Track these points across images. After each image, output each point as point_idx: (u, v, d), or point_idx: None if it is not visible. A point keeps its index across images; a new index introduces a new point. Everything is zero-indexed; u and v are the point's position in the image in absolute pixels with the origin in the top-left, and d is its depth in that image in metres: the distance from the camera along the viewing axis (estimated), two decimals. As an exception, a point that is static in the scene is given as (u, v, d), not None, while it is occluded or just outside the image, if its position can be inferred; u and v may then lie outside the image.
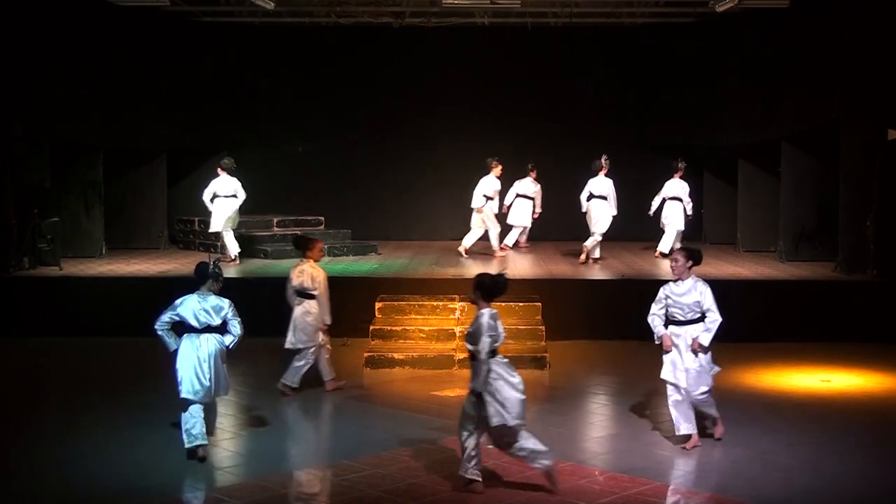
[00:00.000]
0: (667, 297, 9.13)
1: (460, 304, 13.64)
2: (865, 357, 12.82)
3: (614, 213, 16.63)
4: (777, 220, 17.19)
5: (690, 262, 9.07)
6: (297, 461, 8.87)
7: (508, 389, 7.84)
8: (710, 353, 9.09)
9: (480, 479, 7.97)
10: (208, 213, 16.40)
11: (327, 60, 19.93)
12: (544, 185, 18.46)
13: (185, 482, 8.40)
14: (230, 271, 15.27)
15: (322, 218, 18.66)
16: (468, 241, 17.06)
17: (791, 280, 15.02)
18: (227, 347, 8.89)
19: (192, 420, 8.70)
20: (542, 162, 19.91)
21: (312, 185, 19.80)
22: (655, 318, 9.19)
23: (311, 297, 11.04)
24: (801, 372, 12.22)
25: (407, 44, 19.65)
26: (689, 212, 17.03)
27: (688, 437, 9.10)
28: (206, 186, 16.36)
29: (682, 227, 17.04)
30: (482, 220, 16.98)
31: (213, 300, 8.83)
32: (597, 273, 15.68)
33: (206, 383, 8.71)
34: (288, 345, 11.10)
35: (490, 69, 19.79)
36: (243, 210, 16.75)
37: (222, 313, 8.82)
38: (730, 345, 13.32)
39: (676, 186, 16.96)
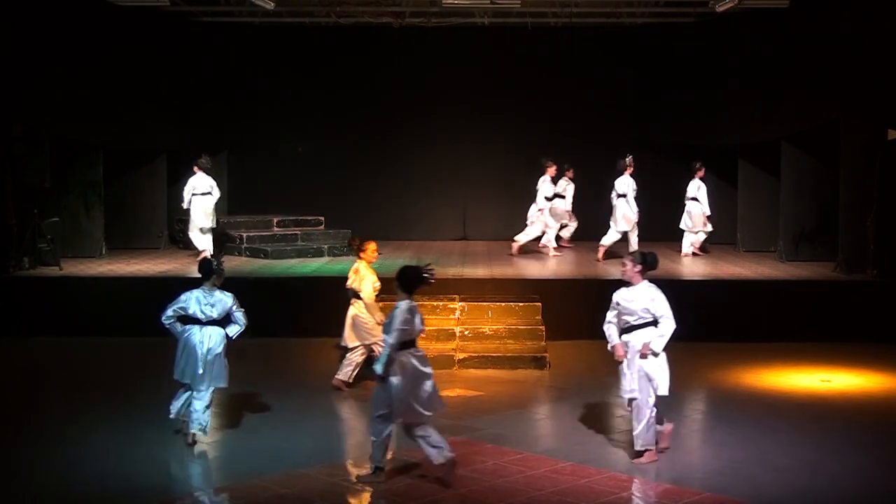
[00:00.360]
0: (618, 303, 8.86)
1: (460, 304, 13.64)
2: (865, 357, 12.81)
3: (635, 209, 16.88)
4: (777, 220, 17.21)
5: (640, 267, 8.77)
6: (297, 461, 8.86)
7: (399, 388, 8.00)
8: (657, 378, 8.68)
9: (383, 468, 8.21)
10: (184, 211, 16.69)
11: (327, 60, 19.93)
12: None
13: (185, 482, 8.41)
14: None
15: (322, 218, 18.65)
16: (545, 239, 17.67)
17: (791, 280, 15.02)
18: (231, 338, 9.24)
19: (180, 396, 9.23)
20: (542, 162, 19.92)
21: (312, 185, 19.79)
22: (611, 327, 8.90)
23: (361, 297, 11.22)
24: (801, 372, 12.22)
25: (407, 44, 19.65)
26: (707, 212, 17.35)
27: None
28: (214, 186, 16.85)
29: (691, 226, 17.44)
30: (546, 221, 17.54)
31: (218, 295, 9.20)
32: (597, 273, 15.67)
33: (200, 371, 9.06)
34: (350, 344, 11.33)
35: (490, 69, 19.78)
36: (220, 208, 17.29)
37: (226, 307, 9.15)
38: (730, 345, 13.44)
39: (692, 187, 17.36)
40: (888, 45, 14.74)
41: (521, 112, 19.84)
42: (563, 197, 18.07)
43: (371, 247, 11.34)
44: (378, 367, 8.06)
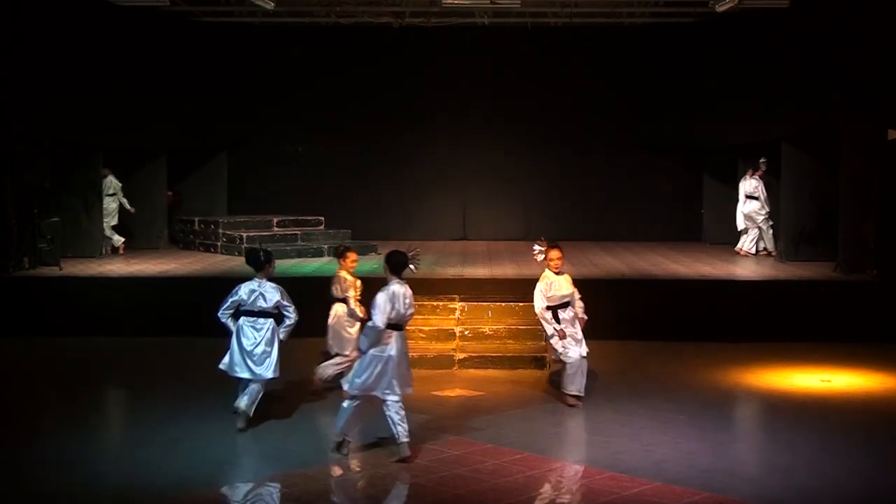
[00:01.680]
0: None
1: (460, 304, 13.64)
2: (865, 357, 12.81)
3: (767, 209, 17.49)
4: (777, 220, 17.21)
5: (385, 266, 8.84)
6: (296, 461, 8.86)
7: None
8: (367, 365, 8.74)
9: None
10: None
11: (327, 60, 19.94)
12: (543, 186, 18.39)
13: (185, 482, 8.40)
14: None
15: (322, 218, 18.65)
16: (746, 244, 17.85)
17: (791, 280, 15.02)
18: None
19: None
20: (541, 163, 19.94)
21: (312, 185, 19.81)
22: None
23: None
24: (801, 372, 12.22)
25: (407, 44, 19.66)
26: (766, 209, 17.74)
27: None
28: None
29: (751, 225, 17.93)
30: (751, 221, 17.83)
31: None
32: (597, 273, 15.66)
33: None
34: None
35: (490, 69, 19.80)
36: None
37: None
38: (730, 345, 13.44)
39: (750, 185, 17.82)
40: (888, 45, 14.74)
41: (521, 111, 19.86)
42: (754, 198, 17.73)
43: (550, 254, 10.74)
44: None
